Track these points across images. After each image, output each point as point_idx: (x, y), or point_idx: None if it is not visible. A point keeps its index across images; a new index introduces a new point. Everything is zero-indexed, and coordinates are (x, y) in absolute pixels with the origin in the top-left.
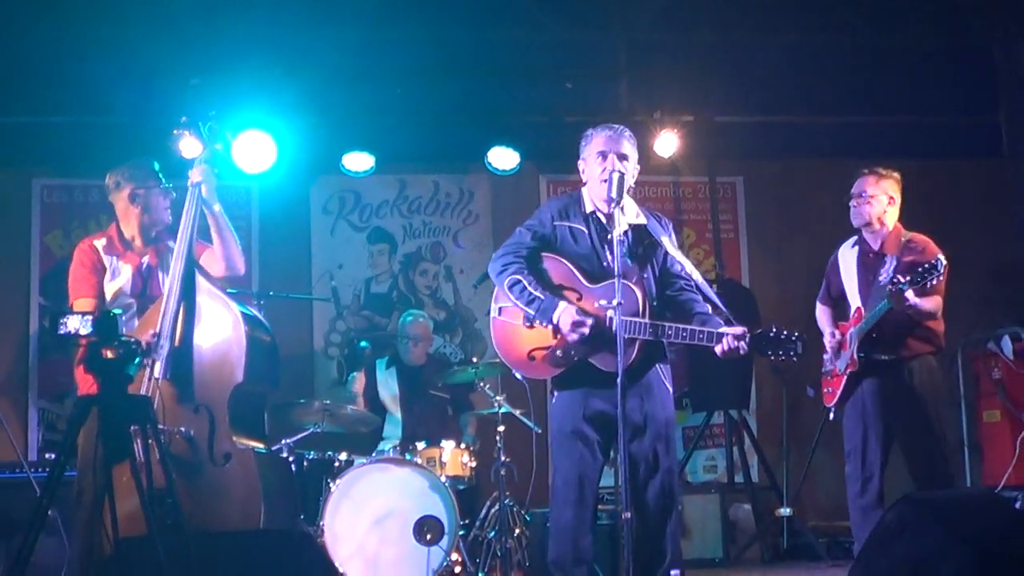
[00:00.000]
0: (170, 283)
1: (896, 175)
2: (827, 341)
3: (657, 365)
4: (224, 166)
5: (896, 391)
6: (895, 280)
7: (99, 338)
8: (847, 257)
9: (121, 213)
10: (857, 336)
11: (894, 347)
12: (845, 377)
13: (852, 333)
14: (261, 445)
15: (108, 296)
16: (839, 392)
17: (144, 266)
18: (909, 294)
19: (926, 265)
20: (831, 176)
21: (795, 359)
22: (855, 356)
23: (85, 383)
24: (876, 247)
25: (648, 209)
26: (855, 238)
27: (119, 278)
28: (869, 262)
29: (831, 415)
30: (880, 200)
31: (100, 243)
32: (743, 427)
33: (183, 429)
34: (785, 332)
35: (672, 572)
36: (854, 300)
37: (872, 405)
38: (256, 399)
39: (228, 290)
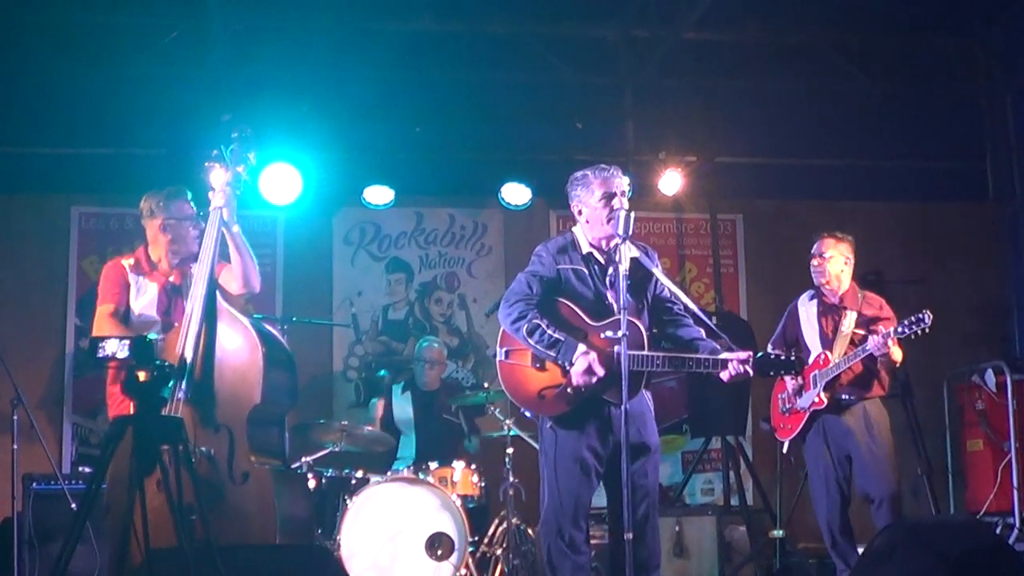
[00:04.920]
0: (191, 306)
1: (850, 238)
2: (788, 381)
3: (645, 392)
4: (246, 187)
5: (856, 425)
6: (898, 330)
7: (135, 362)
8: (807, 309)
9: (151, 238)
10: (822, 377)
11: (856, 389)
12: (808, 414)
13: (816, 375)
14: (278, 463)
15: (135, 312)
16: (799, 428)
17: (169, 286)
18: (891, 341)
19: (915, 317)
20: (825, 215)
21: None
22: (821, 395)
23: (115, 402)
24: (835, 301)
25: (633, 240)
26: (812, 291)
27: (144, 296)
28: (829, 314)
29: (784, 449)
30: (837, 260)
31: (128, 263)
32: (739, 452)
33: (204, 448)
34: (784, 354)
35: None
36: (814, 347)
37: (835, 437)
38: (274, 418)
39: (254, 315)
